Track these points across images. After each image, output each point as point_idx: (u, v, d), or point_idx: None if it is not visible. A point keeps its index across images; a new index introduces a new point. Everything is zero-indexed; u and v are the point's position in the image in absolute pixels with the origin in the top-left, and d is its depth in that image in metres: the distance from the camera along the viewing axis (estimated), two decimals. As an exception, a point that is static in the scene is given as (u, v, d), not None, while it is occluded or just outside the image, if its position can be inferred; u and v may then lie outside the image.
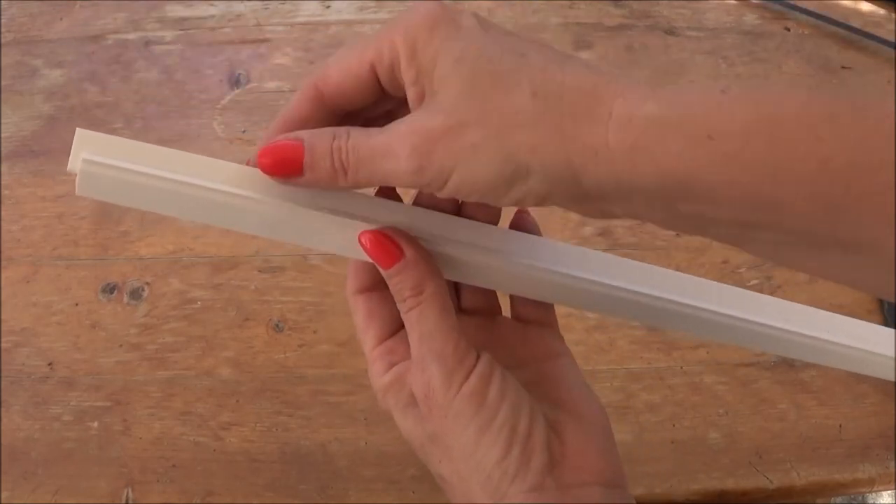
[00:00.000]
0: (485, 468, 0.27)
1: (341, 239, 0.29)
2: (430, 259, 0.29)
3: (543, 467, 0.27)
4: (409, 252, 0.29)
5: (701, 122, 0.22)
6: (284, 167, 0.27)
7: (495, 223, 0.32)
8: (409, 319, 0.29)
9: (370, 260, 0.29)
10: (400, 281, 0.29)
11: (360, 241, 0.29)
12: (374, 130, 0.26)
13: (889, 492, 1.10)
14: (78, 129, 0.29)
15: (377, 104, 0.29)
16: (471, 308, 0.33)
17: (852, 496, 1.09)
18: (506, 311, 0.34)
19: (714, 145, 0.22)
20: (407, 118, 0.26)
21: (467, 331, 0.29)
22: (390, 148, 0.25)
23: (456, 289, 0.33)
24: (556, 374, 0.31)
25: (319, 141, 0.27)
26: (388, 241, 0.29)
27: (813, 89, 0.22)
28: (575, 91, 0.24)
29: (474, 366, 0.28)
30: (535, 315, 0.33)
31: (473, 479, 0.28)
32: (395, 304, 0.30)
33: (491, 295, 0.34)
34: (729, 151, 0.22)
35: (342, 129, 0.27)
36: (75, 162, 0.29)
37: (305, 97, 0.29)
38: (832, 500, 0.86)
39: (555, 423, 0.29)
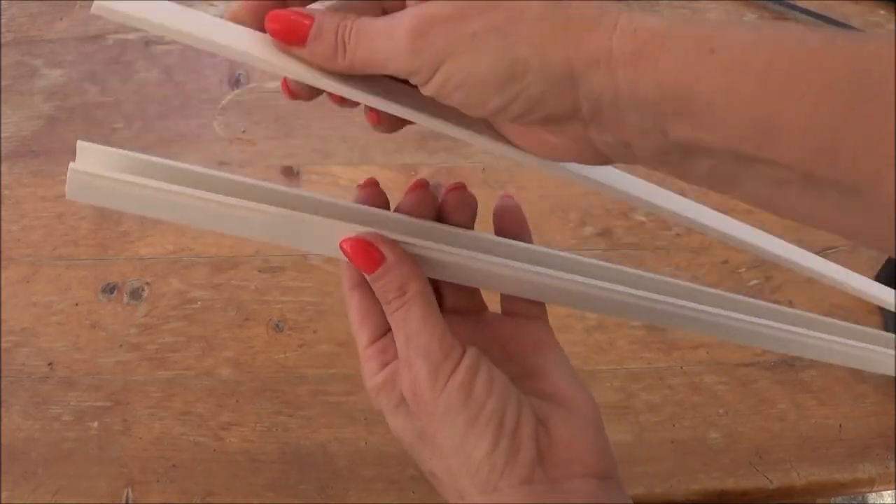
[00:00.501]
0: (473, 462, 0.28)
1: (329, 242, 0.30)
2: (412, 260, 0.30)
3: (532, 460, 0.28)
4: (389, 255, 0.29)
5: (704, 36, 0.22)
6: (290, 34, 0.27)
7: (470, 229, 0.33)
8: (394, 321, 0.29)
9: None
10: (384, 284, 0.29)
11: (341, 247, 0.30)
12: (377, 17, 0.27)
13: (889, 492, 1.10)
14: (79, 142, 0.30)
15: None
16: (455, 307, 0.33)
17: (852, 496, 1.09)
18: (496, 306, 0.34)
19: (716, 58, 0.22)
20: (412, 7, 0.26)
21: (454, 329, 0.30)
22: (391, 29, 0.25)
23: (438, 291, 0.33)
24: (545, 367, 0.32)
25: (329, 18, 0.27)
26: (369, 247, 0.29)
27: (813, 26, 0.22)
28: (581, 8, 0.24)
29: (460, 360, 0.28)
30: (524, 308, 0.33)
31: (463, 474, 0.28)
32: None
33: (475, 293, 0.34)
34: (730, 64, 0.22)
35: (351, 15, 0.27)
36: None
37: None
38: (832, 500, 0.86)
39: (543, 416, 0.29)
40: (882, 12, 0.66)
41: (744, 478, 0.46)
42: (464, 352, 0.29)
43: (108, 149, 0.30)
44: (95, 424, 0.47)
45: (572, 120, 0.25)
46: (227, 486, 0.45)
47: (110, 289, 0.52)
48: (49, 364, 0.49)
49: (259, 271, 0.52)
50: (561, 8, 0.24)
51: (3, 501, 0.45)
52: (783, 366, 0.50)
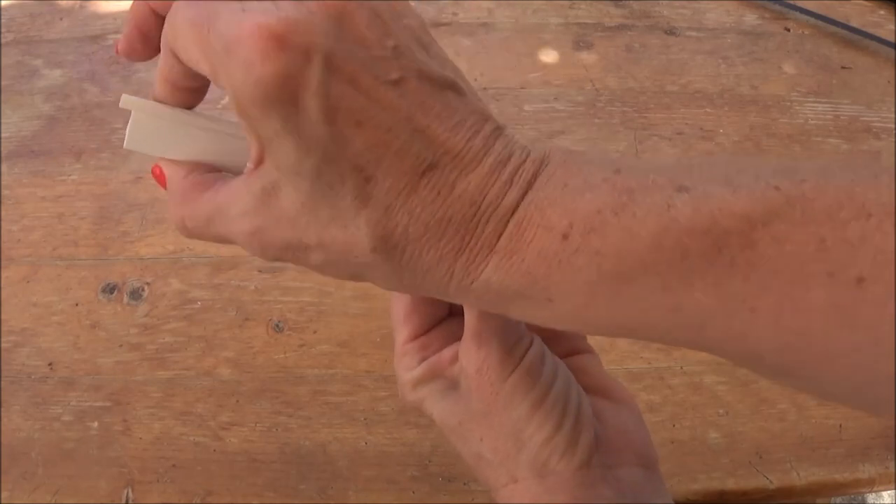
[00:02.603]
0: (534, 444, 0.28)
1: None
2: None
3: (590, 446, 0.28)
4: None
5: (542, 288, 0.21)
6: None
7: None
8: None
9: None
10: None
11: None
12: (208, 187, 0.26)
13: (889, 492, 1.10)
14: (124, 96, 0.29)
15: None
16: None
17: (852, 496, 1.09)
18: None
19: (554, 307, 0.22)
20: (248, 185, 0.24)
21: None
22: (232, 225, 0.25)
23: None
24: (585, 367, 0.32)
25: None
26: None
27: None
28: (414, 254, 0.22)
29: (530, 345, 0.29)
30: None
31: (520, 456, 0.28)
32: (439, 301, 0.30)
33: None
34: (570, 311, 0.21)
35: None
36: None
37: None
38: (832, 500, 0.85)
39: (593, 407, 0.30)
40: (882, 12, 0.66)
41: (744, 478, 0.46)
42: (532, 339, 0.29)
43: (151, 102, 0.29)
44: (95, 424, 0.47)
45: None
46: (227, 486, 0.45)
47: (110, 289, 0.51)
48: (49, 364, 0.49)
49: (259, 271, 0.52)
50: (385, 254, 0.22)
51: (3, 501, 0.45)
52: (783, 366, 0.50)
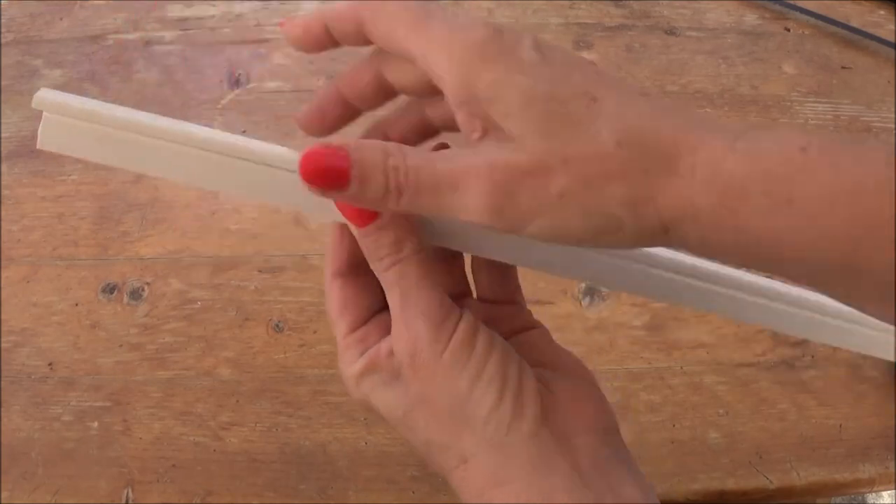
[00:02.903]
0: (478, 419, 0.27)
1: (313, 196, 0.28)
2: (409, 218, 0.28)
3: (537, 415, 0.27)
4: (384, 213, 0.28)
5: (782, 185, 0.22)
6: (328, 177, 0.25)
7: None
8: (387, 278, 0.28)
9: (345, 221, 0.29)
10: (376, 239, 0.28)
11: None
12: (433, 156, 0.25)
13: (889, 492, 1.10)
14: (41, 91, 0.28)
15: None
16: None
17: (852, 496, 1.09)
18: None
19: (795, 210, 0.21)
20: (476, 150, 0.24)
21: None
22: (461, 179, 0.24)
23: None
24: (534, 341, 0.32)
25: (369, 154, 0.25)
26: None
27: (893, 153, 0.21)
28: (655, 139, 0.23)
29: (460, 318, 0.28)
30: (502, 294, 0.33)
31: (465, 433, 0.27)
32: (371, 292, 0.30)
33: (461, 278, 0.34)
34: (810, 217, 0.21)
35: (393, 146, 0.25)
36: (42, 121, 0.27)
37: (330, 89, 0.29)
38: (832, 500, 0.86)
39: (542, 379, 0.29)
40: (882, 12, 0.66)
41: (744, 478, 0.46)
42: (461, 313, 0.28)
43: (72, 96, 0.28)
44: (95, 424, 0.47)
45: (660, 244, 0.25)
46: (227, 486, 0.45)
47: (110, 289, 0.52)
48: (49, 364, 0.49)
49: (259, 271, 0.52)
50: (637, 154, 0.23)
51: (3, 501, 0.45)
52: (783, 366, 0.50)
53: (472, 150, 0.25)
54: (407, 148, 0.25)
